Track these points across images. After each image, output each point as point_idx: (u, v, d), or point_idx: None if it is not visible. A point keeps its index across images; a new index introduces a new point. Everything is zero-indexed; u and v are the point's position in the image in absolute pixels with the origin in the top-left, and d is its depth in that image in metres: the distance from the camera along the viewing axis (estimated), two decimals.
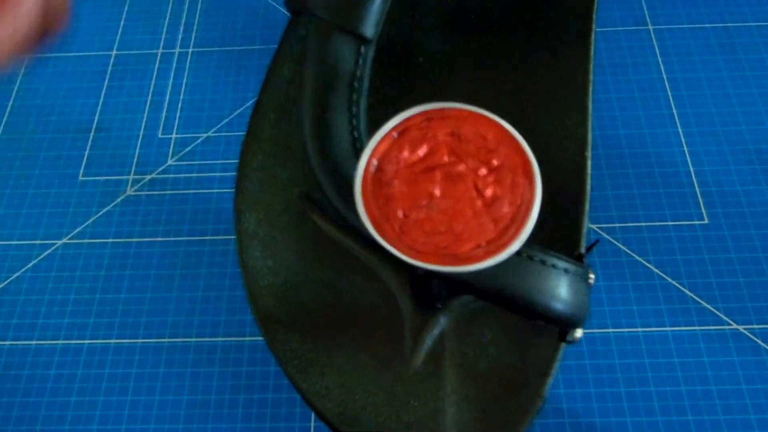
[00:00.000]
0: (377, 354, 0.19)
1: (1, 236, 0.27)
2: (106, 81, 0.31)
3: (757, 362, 0.23)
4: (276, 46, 0.22)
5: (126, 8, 0.34)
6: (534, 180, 0.16)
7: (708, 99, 0.29)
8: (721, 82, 0.29)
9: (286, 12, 0.26)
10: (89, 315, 0.25)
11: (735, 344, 0.23)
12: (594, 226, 0.26)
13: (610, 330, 0.24)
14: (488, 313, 0.18)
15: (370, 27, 0.19)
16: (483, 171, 0.17)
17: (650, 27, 0.31)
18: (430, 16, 0.24)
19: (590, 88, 0.21)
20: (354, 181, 0.17)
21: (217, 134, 0.29)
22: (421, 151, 0.17)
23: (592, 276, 0.18)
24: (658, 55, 0.30)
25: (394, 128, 0.17)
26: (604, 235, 0.26)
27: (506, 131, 0.17)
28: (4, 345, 0.25)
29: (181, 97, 0.31)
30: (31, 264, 0.26)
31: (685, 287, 0.25)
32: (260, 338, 0.24)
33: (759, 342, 0.23)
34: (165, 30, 0.33)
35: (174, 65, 0.32)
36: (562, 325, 0.18)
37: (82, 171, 0.29)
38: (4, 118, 0.30)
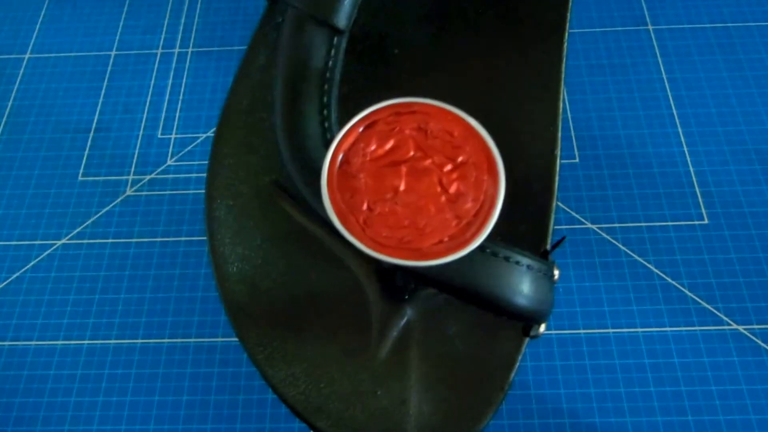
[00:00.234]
0: (344, 343, 0.19)
1: (1, 236, 0.27)
2: (106, 81, 0.31)
3: (757, 362, 0.23)
4: None
5: (126, 8, 0.34)
6: (498, 177, 0.16)
7: (708, 99, 0.29)
8: (721, 82, 0.29)
9: None
10: (89, 315, 0.25)
11: (735, 344, 0.23)
12: (594, 226, 0.26)
13: (610, 330, 0.24)
14: (454, 306, 0.19)
15: (343, 18, 0.19)
16: (448, 167, 0.17)
17: (650, 27, 0.31)
18: (406, 7, 0.24)
19: (562, 87, 0.21)
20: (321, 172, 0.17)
21: None
22: (388, 145, 0.17)
23: (557, 272, 0.18)
24: (658, 55, 0.30)
25: (361, 121, 0.17)
26: (604, 235, 0.26)
27: (472, 128, 0.17)
28: (3, 345, 0.25)
29: (181, 97, 0.31)
30: (30, 264, 0.26)
31: (685, 287, 0.25)
32: None
33: (759, 342, 0.23)
34: (164, 30, 0.33)
35: (173, 65, 0.32)
36: (525, 321, 0.18)
37: (81, 171, 0.29)
38: (4, 118, 0.30)
